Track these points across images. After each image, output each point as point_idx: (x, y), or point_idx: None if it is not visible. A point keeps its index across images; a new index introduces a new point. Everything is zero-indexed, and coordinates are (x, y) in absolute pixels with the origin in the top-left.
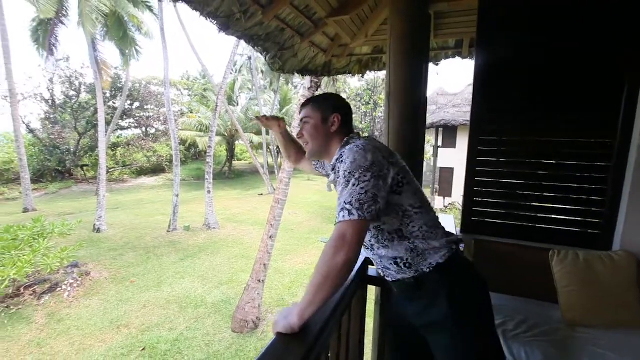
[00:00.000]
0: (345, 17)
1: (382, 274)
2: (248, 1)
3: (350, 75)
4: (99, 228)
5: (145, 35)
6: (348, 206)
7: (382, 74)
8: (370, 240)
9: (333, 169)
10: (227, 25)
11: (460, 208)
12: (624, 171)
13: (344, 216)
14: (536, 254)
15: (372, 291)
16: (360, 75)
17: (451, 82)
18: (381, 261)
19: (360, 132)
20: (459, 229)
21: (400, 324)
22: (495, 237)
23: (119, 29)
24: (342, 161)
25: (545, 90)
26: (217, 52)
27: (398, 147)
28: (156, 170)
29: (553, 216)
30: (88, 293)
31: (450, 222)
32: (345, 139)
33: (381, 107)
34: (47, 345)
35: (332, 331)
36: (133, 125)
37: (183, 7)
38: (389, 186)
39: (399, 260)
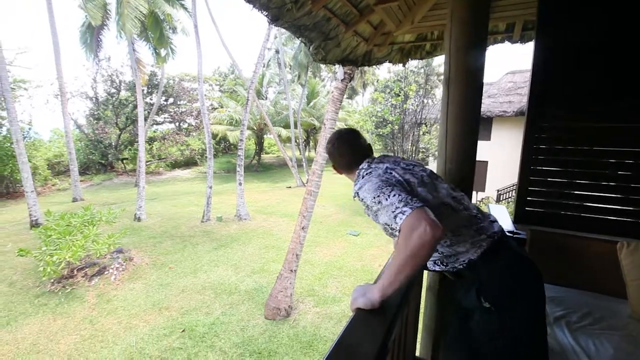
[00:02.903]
0: (393, 4)
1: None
2: None
3: (391, 64)
4: (139, 217)
5: (181, 33)
6: (397, 210)
7: (411, 65)
8: None
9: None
10: (277, 16)
11: (495, 203)
12: None
13: (401, 218)
14: (598, 246)
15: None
16: (402, 64)
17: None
18: None
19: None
20: (512, 218)
21: (457, 308)
22: (553, 228)
23: (155, 29)
24: (362, 199)
25: (613, 74)
26: (244, 48)
27: (457, 133)
28: (189, 163)
29: (617, 207)
30: (132, 277)
31: (504, 213)
32: (356, 172)
33: (411, 98)
34: (99, 322)
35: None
36: (168, 120)
37: (214, 3)
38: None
39: (436, 260)
